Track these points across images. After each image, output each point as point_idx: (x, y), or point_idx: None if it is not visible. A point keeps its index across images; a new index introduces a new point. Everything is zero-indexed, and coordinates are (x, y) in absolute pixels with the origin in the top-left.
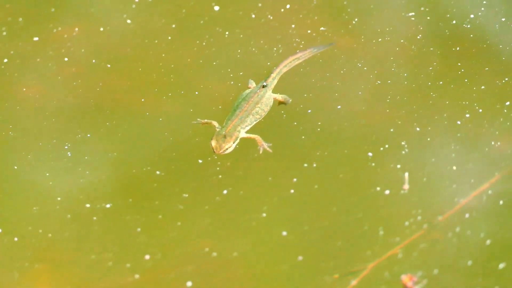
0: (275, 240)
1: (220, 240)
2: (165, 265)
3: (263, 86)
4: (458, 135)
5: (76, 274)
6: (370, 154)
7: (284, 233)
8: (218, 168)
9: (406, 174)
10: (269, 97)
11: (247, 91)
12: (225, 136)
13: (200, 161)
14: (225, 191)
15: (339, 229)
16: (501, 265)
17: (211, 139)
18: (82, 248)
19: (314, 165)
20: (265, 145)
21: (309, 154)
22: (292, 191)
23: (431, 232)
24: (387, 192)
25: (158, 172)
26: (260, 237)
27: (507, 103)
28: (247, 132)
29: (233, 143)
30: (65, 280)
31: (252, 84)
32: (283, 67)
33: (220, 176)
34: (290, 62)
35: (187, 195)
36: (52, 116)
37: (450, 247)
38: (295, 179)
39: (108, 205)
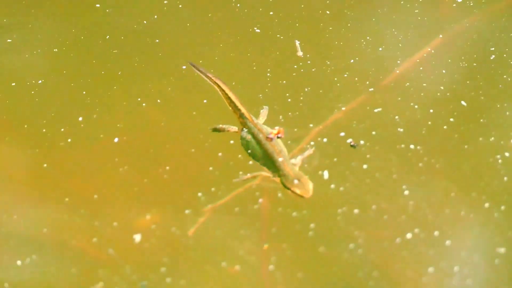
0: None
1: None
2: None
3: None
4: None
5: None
6: None
7: None
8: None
9: (297, 42)
10: (265, 127)
11: (244, 133)
12: (298, 179)
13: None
14: None
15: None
16: (429, 125)
17: (290, 190)
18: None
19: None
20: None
21: None
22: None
23: (373, 96)
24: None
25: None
26: None
27: None
28: (293, 162)
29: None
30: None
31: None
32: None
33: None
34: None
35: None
36: None
37: (389, 112)
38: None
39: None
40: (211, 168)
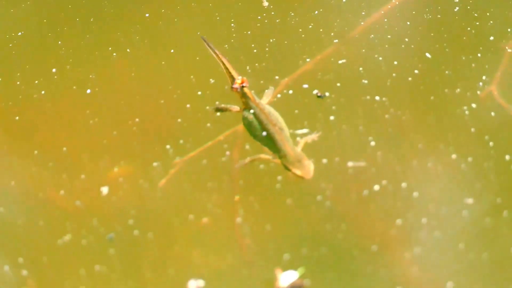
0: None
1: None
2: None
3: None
4: None
5: None
6: None
7: None
8: None
9: None
10: (268, 107)
11: (246, 113)
12: (299, 161)
13: None
14: None
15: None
16: (394, 77)
17: (291, 171)
18: None
19: None
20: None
21: None
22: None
23: (338, 48)
24: None
25: None
26: None
27: None
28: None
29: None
30: None
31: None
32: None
33: None
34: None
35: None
36: None
37: (354, 64)
38: None
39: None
40: (179, 120)
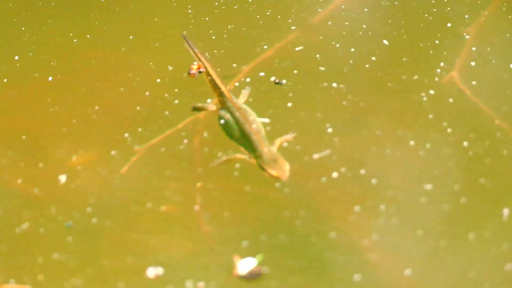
0: None
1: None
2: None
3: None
4: None
5: None
6: None
7: None
8: None
9: None
10: (245, 107)
11: (223, 112)
12: (275, 161)
13: None
14: None
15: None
16: (351, 64)
17: (266, 171)
18: None
19: None
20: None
21: None
22: None
23: (295, 35)
24: None
25: None
26: None
27: None
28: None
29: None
30: None
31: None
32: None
33: None
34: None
35: None
36: None
37: (311, 51)
38: None
39: None
40: (138, 108)
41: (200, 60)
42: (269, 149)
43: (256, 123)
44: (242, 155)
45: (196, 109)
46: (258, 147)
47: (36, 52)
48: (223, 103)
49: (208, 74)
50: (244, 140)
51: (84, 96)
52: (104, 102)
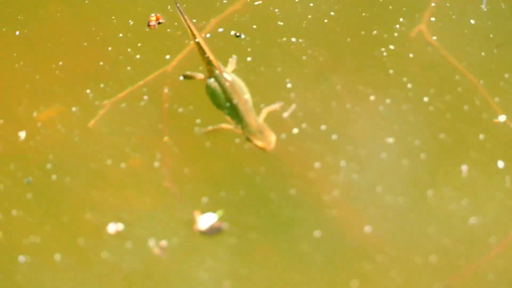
0: None
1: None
2: None
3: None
4: None
5: None
6: None
7: None
8: None
9: None
10: (233, 76)
11: (211, 81)
12: (261, 132)
13: None
14: None
15: None
16: (310, 19)
17: (252, 142)
18: None
19: None
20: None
21: None
22: None
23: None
24: None
25: None
26: None
27: None
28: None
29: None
30: None
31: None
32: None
33: None
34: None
35: None
36: None
37: (269, 5)
38: None
39: None
40: (101, 63)
41: (190, 27)
42: (255, 120)
43: (244, 93)
44: (228, 125)
45: (185, 76)
46: (244, 118)
47: (3, 5)
48: (211, 72)
49: (197, 43)
50: (231, 110)
51: (49, 51)
52: (68, 57)
